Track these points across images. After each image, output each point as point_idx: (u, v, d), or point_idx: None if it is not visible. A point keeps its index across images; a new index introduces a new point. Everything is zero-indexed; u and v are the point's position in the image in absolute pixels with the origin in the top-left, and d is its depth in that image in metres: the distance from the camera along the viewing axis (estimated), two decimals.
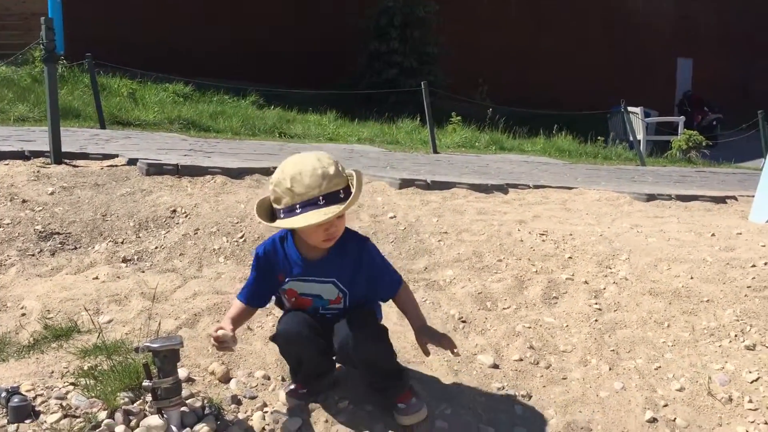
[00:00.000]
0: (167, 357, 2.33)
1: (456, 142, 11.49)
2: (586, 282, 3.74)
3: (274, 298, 2.70)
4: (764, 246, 4.33)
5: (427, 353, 2.58)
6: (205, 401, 2.51)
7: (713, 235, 4.65)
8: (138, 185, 4.75)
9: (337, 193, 2.33)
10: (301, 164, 2.33)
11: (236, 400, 2.59)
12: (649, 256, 4.03)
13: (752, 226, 4.99)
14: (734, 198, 6.49)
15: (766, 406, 2.79)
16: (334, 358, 2.65)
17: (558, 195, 6.06)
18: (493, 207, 5.29)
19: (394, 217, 4.57)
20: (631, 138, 12.54)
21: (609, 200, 6.02)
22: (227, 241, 4.05)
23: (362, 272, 2.52)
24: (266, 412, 2.55)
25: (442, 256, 4.04)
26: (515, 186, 6.18)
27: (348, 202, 2.33)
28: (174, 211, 4.34)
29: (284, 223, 2.36)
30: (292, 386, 2.65)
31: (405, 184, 5.62)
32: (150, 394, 2.36)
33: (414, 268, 3.91)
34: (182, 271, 3.75)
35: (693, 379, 2.94)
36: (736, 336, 3.18)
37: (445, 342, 2.51)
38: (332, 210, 2.30)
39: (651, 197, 6.14)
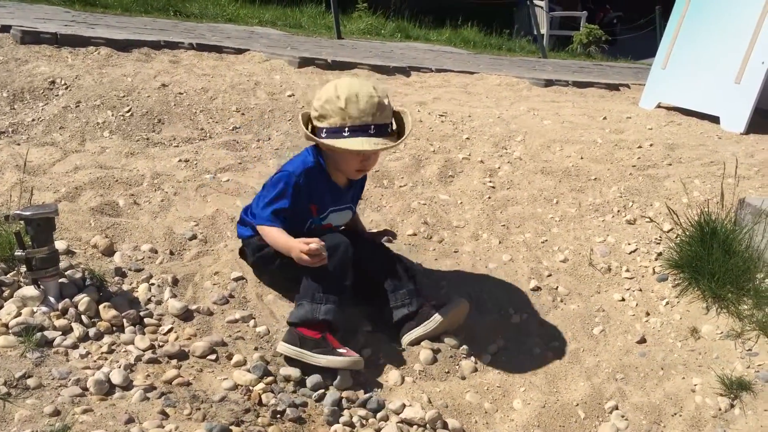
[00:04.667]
0: (41, 225, 2.19)
1: (361, 29, 11.17)
2: (481, 161, 3.78)
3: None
4: (651, 129, 4.50)
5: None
6: (87, 273, 2.40)
7: (605, 118, 4.79)
8: (11, 54, 4.34)
9: (386, 126, 2.32)
10: (358, 87, 2.27)
11: (120, 273, 2.49)
12: (543, 137, 4.11)
13: (641, 111, 5.17)
14: (627, 86, 6.68)
15: (641, 274, 2.96)
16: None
17: (460, 79, 6.03)
18: (394, 88, 5.21)
19: (293, 95, 4.41)
20: (535, 31, 12.57)
21: (509, 85, 6.06)
22: (112, 115, 3.80)
23: (359, 196, 2.71)
24: (152, 284, 2.48)
25: None
26: (418, 69, 6.10)
27: (400, 140, 2.33)
28: (53, 82, 4.02)
29: (328, 143, 2.29)
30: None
31: (305, 62, 5.42)
32: (24, 265, 2.24)
33: None
34: (62, 144, 3.51)
35: (576, 251, 3.07)
36: (618, 211, 3.32)
37: (389, 233, 2.83)
38: (382, 142, 2.29)
39: (549, 83, 6.23)
